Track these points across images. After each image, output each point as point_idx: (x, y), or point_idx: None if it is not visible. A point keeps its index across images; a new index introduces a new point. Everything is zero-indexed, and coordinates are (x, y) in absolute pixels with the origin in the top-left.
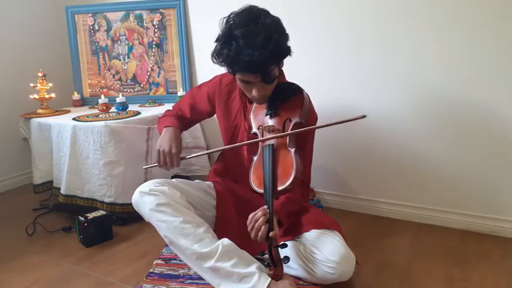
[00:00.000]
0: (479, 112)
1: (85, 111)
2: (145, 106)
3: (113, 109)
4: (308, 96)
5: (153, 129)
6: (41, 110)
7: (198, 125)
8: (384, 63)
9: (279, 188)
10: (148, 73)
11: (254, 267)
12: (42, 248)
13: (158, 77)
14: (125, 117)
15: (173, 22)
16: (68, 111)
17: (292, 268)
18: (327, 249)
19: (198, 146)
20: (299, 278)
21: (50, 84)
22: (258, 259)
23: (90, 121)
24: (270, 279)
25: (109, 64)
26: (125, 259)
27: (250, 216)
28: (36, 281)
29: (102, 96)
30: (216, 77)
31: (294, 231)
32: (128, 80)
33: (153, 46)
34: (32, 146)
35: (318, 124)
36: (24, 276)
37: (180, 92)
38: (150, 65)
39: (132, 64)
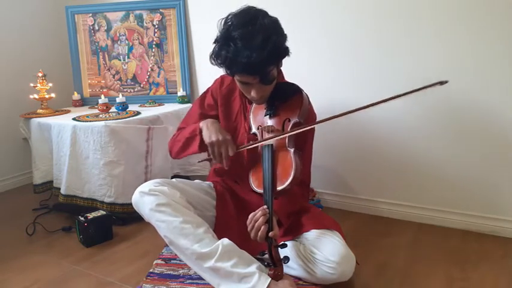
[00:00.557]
0: (479, 112)
1: (85, 111)
2: (145, 106)
3: (113, 109)
4: (307, 96)
5: (153, 129)
6: (41, 110)
7: None
8: (384, 63)
9: (279, 188)
10: (148, 73)
11: (254, 267)
12: (42, 248)
13: (158, 77)
14: (125, 117)
15: (173, 22)
16: (68, 111)
17: (292, 268)
18: (327, 249)
19: None
20: (299, 278)
21: (50, 84)
22: (258, 259)
23: (90, 121)
24: (270, 279)
25: (109, 64)
26: (124, 259)
27: (250, 216)
28: (36, 281)
29: (102, 96)
30: (217, 79)
31: (294, 231)
32: (128, 80)
33: (153, 46)
34: (32, 146)
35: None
36: (24, 276)
37: (180, 92)
38: (150, 65)
39: (132, 64)
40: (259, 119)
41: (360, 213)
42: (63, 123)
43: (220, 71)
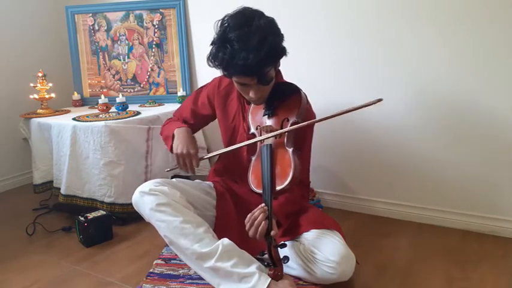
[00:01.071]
0: (479, 113)
1: (85, 111)
2: (145, 106)
3: (113, 109)
4: (306, 96)
5: (153, 129)
6: (41, 110)
7: None
8: (388, 63)
9: (278, 188)
10: (148, 73)
11: (254, 267)
12: (42, 248)
13: (158, 77)
14: (125, 117)
15: (173, 22)
16: (68, 111)
17: (292, 268)
18: (327, 249)
19: (198, 147)
20: (299, 278)
21: (50, 84)
22: (258, 259)
23: (90, 121)
24: (270, 279)
25: (109, 64)
26: (124, 259)
27: (249, 215)
28: (36, 281)
29: (102, 96)
30: (215, 79)
31: (293, 231)
32: (128, 80)
33: (153, 46)
34: (32, 146)
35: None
36: (24, 276)
37: (180, 92)
38: (150, 65)
39: (132, 64)
40: (257, 119)
41: (360, 213)
42: (63, 123)
43: (219, 71)
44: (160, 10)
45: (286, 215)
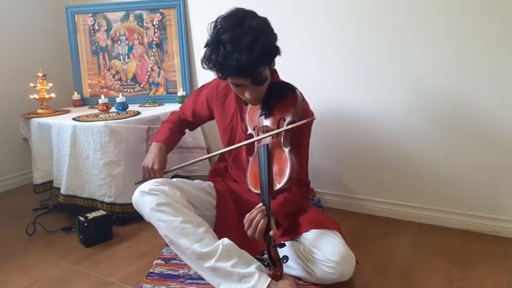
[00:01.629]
0: (480, 113)
1: (85, 111)
2: (145, 106)
3: (113, 109)
4: (302, 94)
5: (153, 129)
6: (41, 110)
7: None
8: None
9: (276, 188)
10: (148, 73)
11: (254, 267)
12: (42, 248)
13: (158, 77)
14: (125, 117)
15: (173, 22)
16: (68, 111)
17: (292, 268)
18: (327, 249)
19: (198, 147)
20: (299, 278)
21: (50, 84)
22: (258, 259)
23: (90, 121)
24: (270, 279)
25: (109, 64)
26: (124, 259)
27: (247, 215)
28: (36, 281)
29: (102, 96)
30: (214, 80)
31: (293, 231)
32: (128, 80)
33: (153, 46)
34: (32, 146)
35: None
36: (24, 276)
37: (180, 92)
38: (150, 65)
39: (132, 64)
40: (255, 120)
41: (360, 213)
42: (63, 123)
43: (214, 74)
44: (160, 10)
45: (286, 215)
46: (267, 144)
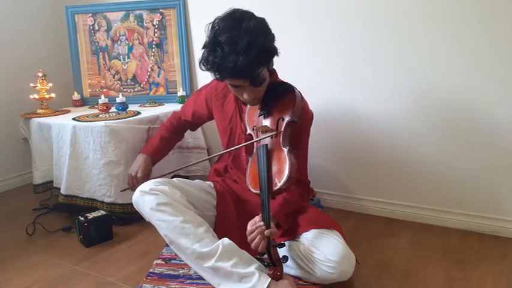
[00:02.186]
0: (480, 114)
1: (85, 111)
2: (145, 106)
3: (113, 109)
4: (300, 94)
5: (153, 129)
6: (41, 110)
7: None
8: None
9: (275, 188)
10: (148, 73)
11: (254, 267)
12: (42, 248)
13: (158, 77)
14: (125, 117)
15: (173, 22)
16: (68, 111)
17: (292, 268)
18: (326, 249)
19: (198, 146)
20: (299, 278)
21: (50, 84)
22: (258, 259)
23: (90, 121)
24: (270, 279)
25: (109, 64)
26: (124, 259)
27: (247, 232)
28: (36, 281)
29: (102, 96)
30: (213, 80)
31: (293, 231)
32: (128, 80)
33: (153, 46)
34: (32, 146)
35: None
36: (24, 276)
37: (180, 92)
38: (150, 65)
39: (132, 64)
40: (254, 120)
41: (360, 213)
42: (63, 123)
43: (211, 75)
44: (160, 10)
45: (286, 216)
46: (266, 145)
